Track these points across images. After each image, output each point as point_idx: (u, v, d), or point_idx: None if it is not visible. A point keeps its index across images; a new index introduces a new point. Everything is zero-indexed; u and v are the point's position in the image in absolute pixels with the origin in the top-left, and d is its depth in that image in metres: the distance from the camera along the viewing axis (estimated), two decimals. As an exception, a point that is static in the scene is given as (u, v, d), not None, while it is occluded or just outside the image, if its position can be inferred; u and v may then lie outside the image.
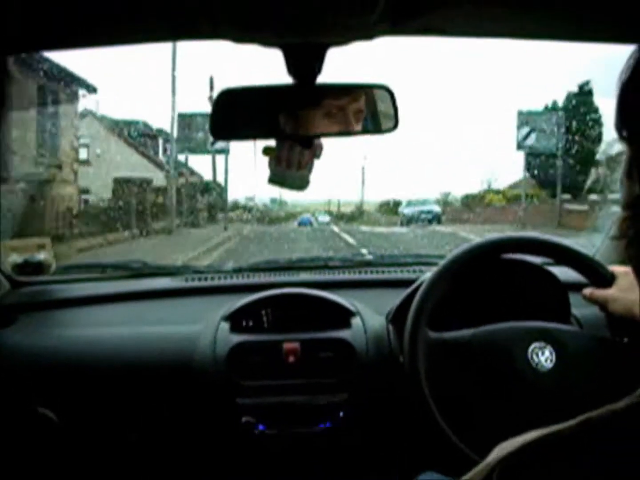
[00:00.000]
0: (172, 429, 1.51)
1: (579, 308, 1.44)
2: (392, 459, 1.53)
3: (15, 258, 1.84)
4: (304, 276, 1.86)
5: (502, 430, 0.67)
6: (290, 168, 1.13)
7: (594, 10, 0.90)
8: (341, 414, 1.47)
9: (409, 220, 20.40)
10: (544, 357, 1.24)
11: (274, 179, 1.15)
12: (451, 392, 1.24)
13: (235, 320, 1.53)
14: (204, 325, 1.55)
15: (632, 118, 0.53)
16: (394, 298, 1.52)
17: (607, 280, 1.27)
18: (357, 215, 31.08)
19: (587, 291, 1.29)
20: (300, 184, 1.16)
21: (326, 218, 28.71)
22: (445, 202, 26.73)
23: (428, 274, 1.38)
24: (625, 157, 0.54)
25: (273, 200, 26.09)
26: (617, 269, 1.29)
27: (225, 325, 1.52)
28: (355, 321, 1.54)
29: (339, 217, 30.60)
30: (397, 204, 29.95)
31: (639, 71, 0.52)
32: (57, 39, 1.04)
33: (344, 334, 1.51)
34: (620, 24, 0.95)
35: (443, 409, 1.22)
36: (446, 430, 1.21)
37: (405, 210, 22.62)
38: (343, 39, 0.99)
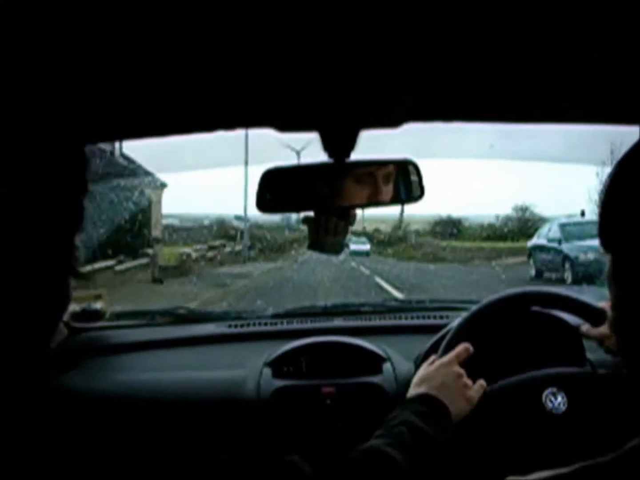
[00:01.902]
0: (219, 466, 1.63)
1: (594, 353, 1.53)
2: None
3: (74, 307, 2.01)
4: (338, 322, 1.99)
5: (517, 470, 0.77)
6: (327, 235, 1.27)
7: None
8: None
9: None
10: (557, 401, 1.33)
11: (313, 245, 1.29)
12: (471, 436, 1.34)
13: (277, 366, 1.66)
14: (248, 371, 1.67)
15: (612, 233, 0.63)
16: (423, 343, 1.63)
17: (598, 318, 1.38)
18: (395, 238, 25.42)
19: (584, 328, 1.38)
20: (336, 248, 1.30)
21: (365, 246, 22.28)
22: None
23: (455, 322, 1.50)
24: (609, 263, 0.63)
25: (284, 218, 20.88)
26: (607, 305, 1.37)
27: (268, 371, 1.65)
28: (386, 367, 1.66)
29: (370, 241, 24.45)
30: (454, 222, 25.39)
31: (615, 193, 0.62)
32: (124, 130, 1.18)
33: (376, 379, 1.63)
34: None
35: (463, 452, 1.32)
36: (465, 468, 1.31)
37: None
38: (372, 126, 1.14)
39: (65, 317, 1.95)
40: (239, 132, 1.23)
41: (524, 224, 22.03)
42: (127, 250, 11.50)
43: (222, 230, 20.60)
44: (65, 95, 0.81)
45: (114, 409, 1.65)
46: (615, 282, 0.63)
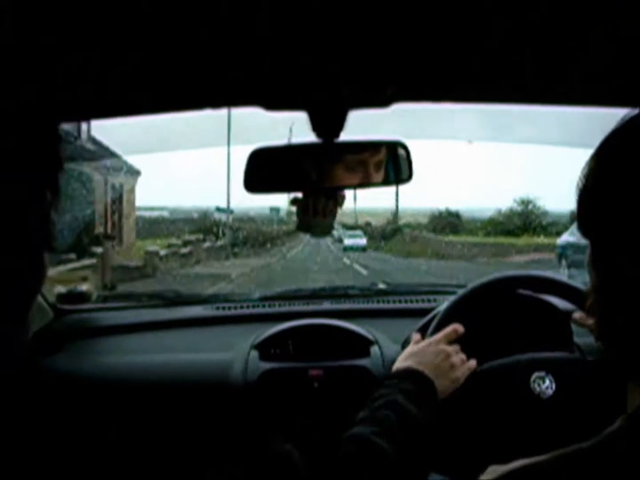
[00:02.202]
0: (207, 447, 1.63)
1: (582, 337, 1.53)
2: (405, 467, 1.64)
3: (60, 289, 1.99)
4: (326, 305, 1.99)
5: (504, 453, 0.77)
6: (315, 217, 1.26)
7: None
8: None
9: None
10: (544, 385, 1.33)
11: (301, 226, 1.29)
12: (459, 417, 1.35)
13: (264, 348, 1.66)
14: (236, 353, 1.67)
15: (590, 219, 0.63)
16: (410, 326, 1.63)
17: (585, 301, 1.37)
18: (390, 232, 23.72)
19: (577, 315, 1.39)
20: (324, 230, 1.30)
21: (361, 241, 21.12)
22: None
23: (442, 306, 1.50)
24: (588, 250, 0.64)
25: (273, 209, 20.12)
26: None
27: (255, 353, 1.65)
28: (374, 350, 1.66)
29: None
30: (453, 216, 23.70)
31: (593, 179, 0.62)
32: (105, 108, 1.16)
33: (363, 362, 1.63)
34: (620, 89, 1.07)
35: (452, 431, 1.32)
36: (450, 449, 1.31)
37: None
38: (362, 106, 1.13)
39: (52, 299, 1.94)
40: (224, 112, 1.21)
41: (527, 218, 21.11)
42: (79, 249, 9.19)
43: (203, 223, 18.74)
44: (40, 72, 0.80)
45: (100, 392, 1.65)
46: (593, 267, 0.64)
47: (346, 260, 16.10)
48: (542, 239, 17.59)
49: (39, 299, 1.82)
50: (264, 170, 1.20)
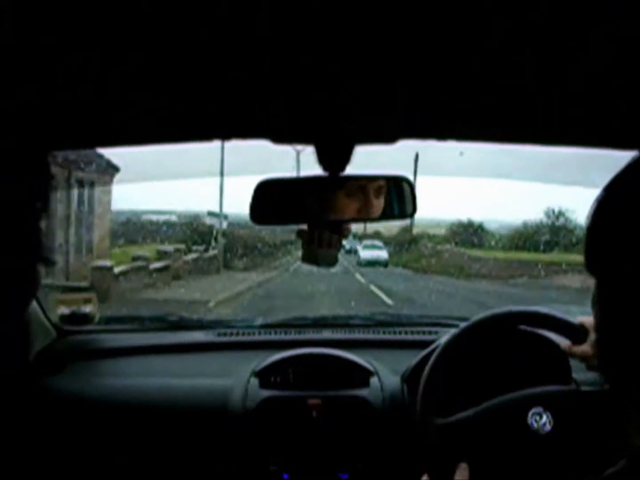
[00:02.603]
0: (205, 473, 1.63)
1: (580, 372, 1.53)
2: None
3: (64, 310, 2.01)
4: (327, 334, 2.00)
5: None
6: (321, 247, 1.28)
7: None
8: (359, 465, 1.58)
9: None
10: (542, 421, 1.34)
11: (307, 258, 1.30)
12: (459, 457, 1.34)
13: (264, 376, 1.66)
14: (236, 380, 1.68)
15: (596, 257, 0.64)
16: (410, 358, 1.64)
17: (577, 334, 1.38)
18: (404, 244, 21.23)
19: (565, 346, 1.39)
20: (330, 261, 1.31)
21: (381, 253, 19.13)
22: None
23: (444, 338, 1.51)
24: (594, 287, 0.65)
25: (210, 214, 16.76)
26: (587, 320, 1.36)
27: (255, 381, 1.65)
28: (373, 380, 1.67)
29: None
30: (476, 228, 21.12)
31: (600, 218, 0.63)
32: (100, 137, 1.18)
33: (362, 392, 1.64)
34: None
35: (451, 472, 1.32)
36: None
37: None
38: (368, 142, 1.15)
39: (55, 320, 1.95)
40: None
41: (557, 232, 19.13)
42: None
43: (191, 229, 16.22)
44: (32, 97, 0.81)
45: (100, 413, 1.65)
46: (599, 305, 0.65)
47: (360, 278, 14.46)
48: (575, 257, 14.29)
49: (42, 318, 1.84)
50: (270, 202, 1.21)
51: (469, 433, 1.36)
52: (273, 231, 16.69)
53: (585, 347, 1.37)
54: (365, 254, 19.12)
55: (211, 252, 14.75)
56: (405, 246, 21.50)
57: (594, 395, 1.38)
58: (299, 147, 1.19)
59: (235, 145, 1.22)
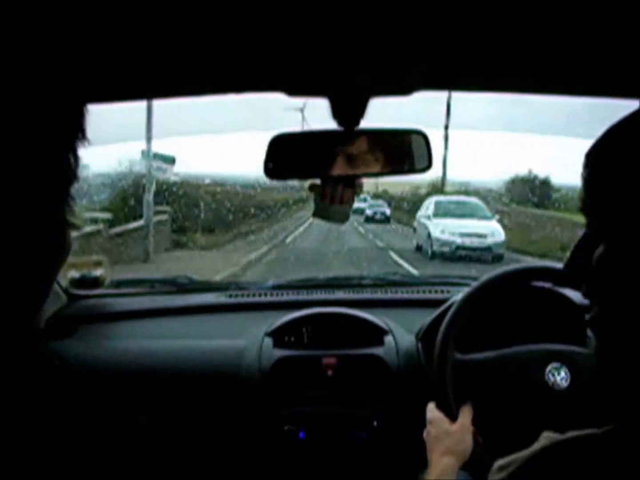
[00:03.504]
0: (220, 435, 1.63)
1: None
2: (420, 464, 1.65)
3: (73, 274, 1.99)
4: (340, 294, 1.99)
5: (519, 441, 0.78)
6: (333, 203, 1.26)
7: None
8: (375, 424, 1.59)
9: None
10: (559, 376, 1.34)
11: (318, 213, 1.28)
12: (475, 406, 1.35)
13: (278, 336, 1.66)
14: (249, 340, 1.68)
15: (593, 198, 0.63)
16: (424, 317, 1.63)
17: None
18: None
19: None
20: (342, 217, 1.29)
21: (383, 209, 18.03)
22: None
23: (458, 296, 1.50)
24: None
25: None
26: None
27: (268, 341, 1.65)
28: (388, 339, 1.66)
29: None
30: (542, 183, 16.70)
31: (596, 164, 0.63)
32: (129, 89, 1.16)
33: (377, 351, 1.63)
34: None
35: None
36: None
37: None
38: (383, 93, 1.12)
39: (65, 284, 1.94)
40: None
41: None
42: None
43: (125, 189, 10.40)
44: (66, 50, 0.79)
45: (112, 376, 1.65)
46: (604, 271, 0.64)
47: (377, 242, 12.61)
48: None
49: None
50: (283, 156, 1.19)
51: (486, 373, 1.37)
52: (269, 191, 14.98)
53: None
54: (370, 211, 18.47)
55: (135, 223, 9.49)
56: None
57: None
58: (303, 101, 1.16)
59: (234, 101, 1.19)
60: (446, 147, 16.90)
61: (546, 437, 0.66)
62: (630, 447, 0.59)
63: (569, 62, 0.99)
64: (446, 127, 16.25)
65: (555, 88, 1.16)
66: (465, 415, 1.31)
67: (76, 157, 0.59)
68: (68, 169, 0.58)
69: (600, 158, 0.62)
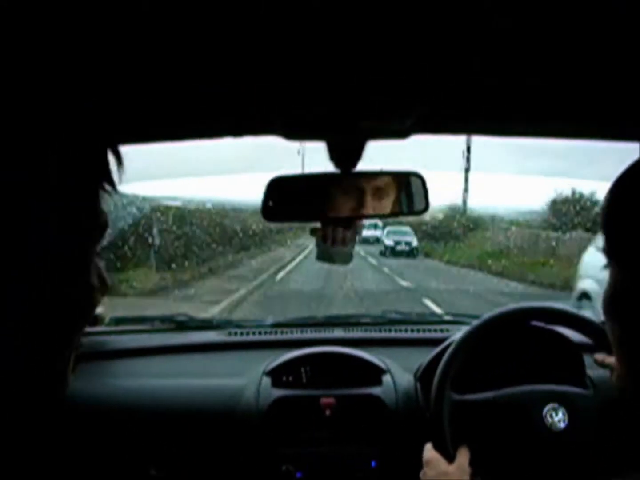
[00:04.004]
0: (218, 474, 1.62)
1: (594, 369, 1.53)
2: None
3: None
4: (338, 333, 1.99)
5: None
6: (334, 245, 1.27)
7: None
8: (373, 464, 1.57)
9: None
10: (557, 417, 1.34)
11: (322, 256, 1.30)
12: (472, 447, 1.34)
13: (276, 375, 1.66)
14: (248, 380, 1.67)
15: (616, 251, 0.64)
16: (423, 356, 1.63)
17: (599, 335, 1.37)
18: (449, 232, 16.58)
19: (599, 357, 1.39)
20: (345, 258, 1.31)
21: (410, 238, 15.89)
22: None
23: (456, 335, 1.50)
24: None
25: None
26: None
27: (267, 380, 1.65)
28: (386, 378, 1.66)
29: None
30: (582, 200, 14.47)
31: (614, 210, 0.63)
32: (125, 135, 1.17)
33: (375, 390, 1.63)
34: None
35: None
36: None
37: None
38: (380, 137, 1.14)
39: None
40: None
41: None
42: None
43: None
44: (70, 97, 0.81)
45: (111, 414, 1.65)
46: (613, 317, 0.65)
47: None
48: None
49: None
50: (282, 199, 1.21)
51: (484, 414, 1.37)
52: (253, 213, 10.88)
53: None
54: (389, 241, 16.05)
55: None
56: (455, 234, 16.57)
57: (613, 403, 1.37)
58: (303, 145, 1.18)
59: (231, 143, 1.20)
60: (466, 190, 17.34)
61: None
62: None
63: (570, 110, 1.01)
64: (466, 170, 16.69)
65: (553, 132, 1.18)
66: (463, 456, 1.31)
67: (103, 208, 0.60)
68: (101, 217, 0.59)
69: (619, 200, 0.63)
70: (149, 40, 0.73)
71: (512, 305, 1.52)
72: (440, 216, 17.89)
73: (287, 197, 1.21)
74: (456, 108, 1.04)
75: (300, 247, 15.15)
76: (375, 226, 17.87)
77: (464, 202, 17.57)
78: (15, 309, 0.52)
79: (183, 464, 1.63)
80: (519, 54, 0.79)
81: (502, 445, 1.36)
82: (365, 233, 18.02)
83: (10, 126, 0.51)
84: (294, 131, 1.13)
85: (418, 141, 1.17)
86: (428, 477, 1.28)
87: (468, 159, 16.23)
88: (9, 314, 0.52)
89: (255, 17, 0.67)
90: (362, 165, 1.19)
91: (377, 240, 17.62)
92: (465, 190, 17.42)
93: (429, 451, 1.33)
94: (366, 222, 1.37)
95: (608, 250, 0.64)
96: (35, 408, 0.60)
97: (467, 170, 16.72)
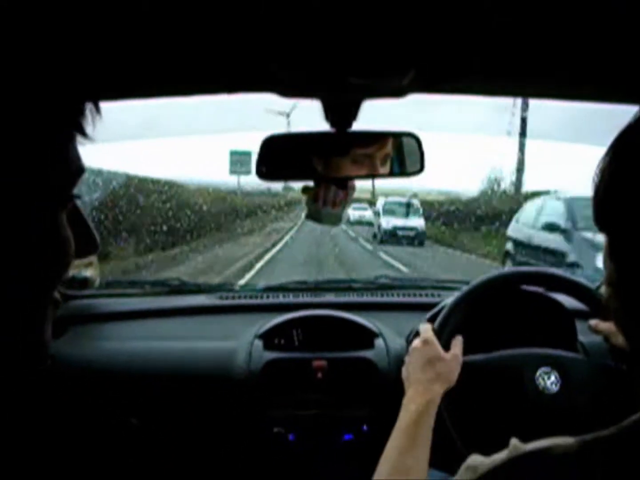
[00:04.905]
0: (210, 436, 1.63)
1: (586, 335, 1.54)
2: None
3: (64, 274, 1.98)
4: (330, 297, 1.99)
5: (506, 444, 0.78)
6: (325, 206, 1.26)
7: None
8: (364, 427, 1.58)
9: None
10: (550, 381, 1.35)
11: (311, 215, 1.29)
12: (464, 408, 1.35)
13: (268, 338, 1.66)
14: (239, 342, 1.67)
15: (607, 216, 0.63)
16: (415, 320, 1.63)
17: (594, 301, 1.38)
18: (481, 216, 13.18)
19: (593, 322, 1.39)
20: (334, 220, 1.29)
21: (411, 221, 12.84)
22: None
23: (448, 300, 1.50)
24: (605, 243, 0.64)
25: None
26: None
27: (259, 343, 1.65)
28: (378, 342, 1.66)
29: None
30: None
31: (608, 176, 0.62)
32: (120, 89, 1.15)
33: (367, 354, 1.63)
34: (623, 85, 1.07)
35: (456, 422, 1.32)
36: (456, 440, 1.31)
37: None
38: (377, 96, 1.12)
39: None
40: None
41: None
42: None
43: None
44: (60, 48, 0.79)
45: (102, 377, 1.64)
46: (611, 260, 0.64)
47: None
48: None
49: None
50: (276, 158, 1.19)
51: (476, 375, 1.37)
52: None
53: (612, 324, 1.36)
54: (385, 223, 12.85)
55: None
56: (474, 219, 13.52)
57: (605, 369, 1.38)
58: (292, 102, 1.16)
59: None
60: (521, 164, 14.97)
61: (514, 446, 0.65)
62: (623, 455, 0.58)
63: (568, 65, 1.00)
64: (522, 134, 14.44)
65: (554, 92, 1.17)
66: (457, 347, 1.32)
67: (78, 156, 0.58)
68: (71, 166, 0.57)
69: (614, 167, 0.62)
70: None
71: (503, 270, 1.52)
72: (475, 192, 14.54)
73: (281, 156, 1.20)
74: (455, 66, 1.02)
75: (279, 231, 12.56)
76: (365, 207, 15.60)
77: (519, 175, 14.30)
78: None
79: (174, 426, 1.64)
80: (521, 8, 0.77)
81: (494, 408, 1.36)
82: (353, 213, 15.57)
83: None
84: (290, 88, 1.11)
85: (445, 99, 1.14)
86: (423, 357, 1.27)
87: (524, 120, 14.03)
88: None
89: None
90: (358, 125, 1.18)
91: (369, 223, 14.68)
92: (520, 164, 14.46)
93: (427, 331, 1.33)
94: (354, 198, 1.34)
95: (602, 222, 0.64)
96: (16, 368, 0.59)
97: (522, 133, 14.19)
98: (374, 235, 13.25)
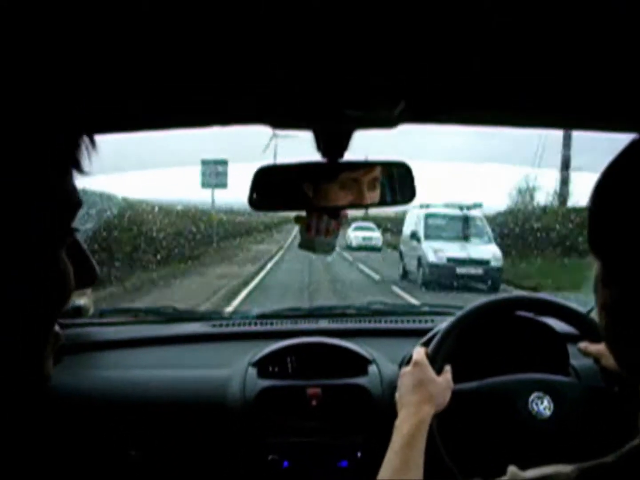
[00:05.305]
0: (205, 464, 1.62)
1: (577, 359, 1.55)
2: None
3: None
4: (323, 324, 1.99)
5: (503, 471, 0.79)
6: (318, 235, 1.27)
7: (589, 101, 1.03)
8: (358, 454, 1.58)
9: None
10: (542, 406, 1.36)
11: (304, 244, 1.30)
12: (457, 434, 1.35)
13: (262, 366, 1.66)
14: (234, 370, 1.67)
15: (599, 242, 0.64)
16: (408, 346, 1.64)
17: (599, 336, 1.40)
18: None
19: (582, 345, 1.41)
20: (327, 249, 1.31)
21: (372, 233, 12.96)
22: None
23: (442, 325, 1.51)
24: (597, 268, 0.65)
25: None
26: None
27: (253, 371, 1.65)
28: (372, 369, 1.66)
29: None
30: None
31: (599, 202, 0.63)
32: (110, 123, 1.16)
33: (361, 380, 1.64)
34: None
35: (450, 450, 1.32)
36: (452, 468, 1.31)
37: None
38: (369, 126, 1.14)
39: None
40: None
41: None
42: None
43: None
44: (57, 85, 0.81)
45: (97, 406, 1.64)
46: (605, 285, 0.64)
47: None
48: None
49: None
50: (268, 188, 1.21)
51: (469, 403, 1.37)
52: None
53: (601, 346, 1.37)
54: (354, 235, 11.66)
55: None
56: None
57: (597, 391, 1.40)
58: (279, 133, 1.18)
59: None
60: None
61: (512, 474, 0.66)
62: None
63: (556, 98, 1.01)
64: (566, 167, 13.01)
65: (545, 122, 1.19)
66: (447, 373, 1.34)
67: (75, 190, 0.59)
68: (69, 200, 0.58)
69: (608, 193, 0.63)
70: (136, 30, 0.73)
71: (497, 296, 1.54)
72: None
73: (273, 186, 1.21)
74: (446, 97, 1.03)
75: (260, 259, 10.98)
76: (371, 227, 13.79)
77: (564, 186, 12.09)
78: None
79: (169, 455, 1.63)
80: (511, 40, 0.79)
81: (488, 434, 1.37)
82: (355, 235, 13.57)
83: None
84: (282, 120, 1.13)
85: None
86: (415, 379, 1.28)
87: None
88: None
89: (242, 6, 0.67)
90: (348, 156, 1.19)
91: (376, 248, 12.30)
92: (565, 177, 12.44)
93: (419, 353, 1.34)
94: (354, 215, 1.36)
95: (599, 251, 0.65)
96: (15, 399, 0.59)
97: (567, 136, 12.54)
98: (404, 275, 9.58)
